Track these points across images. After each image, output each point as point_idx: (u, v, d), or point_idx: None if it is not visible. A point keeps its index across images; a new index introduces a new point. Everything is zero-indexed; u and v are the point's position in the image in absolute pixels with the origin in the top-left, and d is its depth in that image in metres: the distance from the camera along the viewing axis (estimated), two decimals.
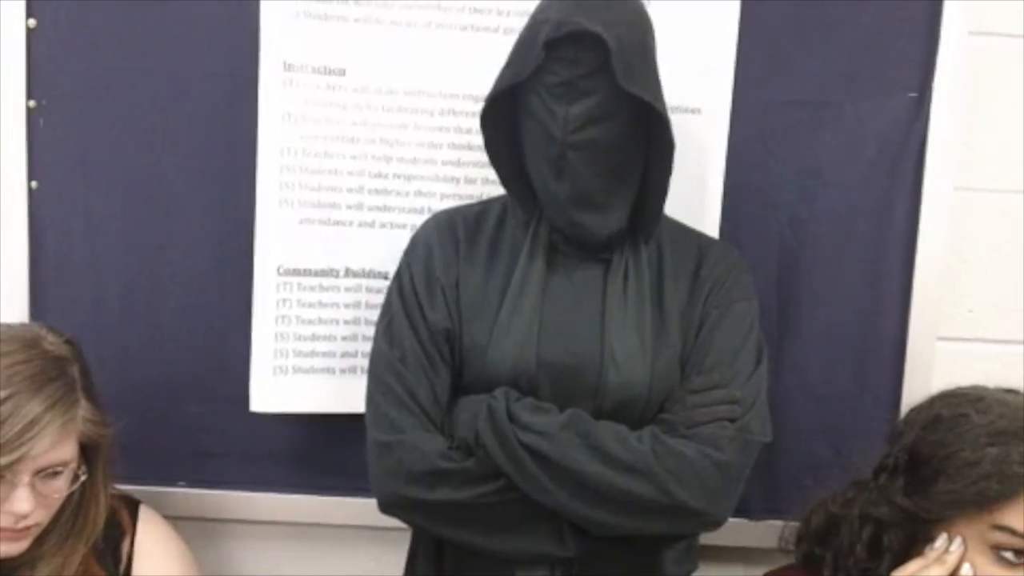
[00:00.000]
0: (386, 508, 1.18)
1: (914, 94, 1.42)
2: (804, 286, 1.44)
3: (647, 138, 1.15)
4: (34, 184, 1.41)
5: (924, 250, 1.44)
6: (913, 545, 1.11)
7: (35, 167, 1.40)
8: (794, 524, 1.23)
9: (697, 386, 1.17)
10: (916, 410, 1.17)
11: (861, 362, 1.45)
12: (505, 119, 1.17)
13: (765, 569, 1.28)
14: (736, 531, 1.43)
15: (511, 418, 1.12)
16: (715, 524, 1.16)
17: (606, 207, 1.15)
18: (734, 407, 1.15)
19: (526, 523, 1.14)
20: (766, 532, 1.40)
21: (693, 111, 1.42)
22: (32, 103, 1.39)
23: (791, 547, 1.22)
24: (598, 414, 1.14)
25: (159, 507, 1.32)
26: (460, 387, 1.21)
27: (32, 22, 1.38)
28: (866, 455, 1.22)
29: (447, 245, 1.22)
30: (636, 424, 1.14)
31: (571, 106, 1.10)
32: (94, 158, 1.40)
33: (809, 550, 1.18)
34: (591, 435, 1.11)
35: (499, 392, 1.14)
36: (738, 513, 1.41)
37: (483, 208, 1.27)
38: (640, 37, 1.10)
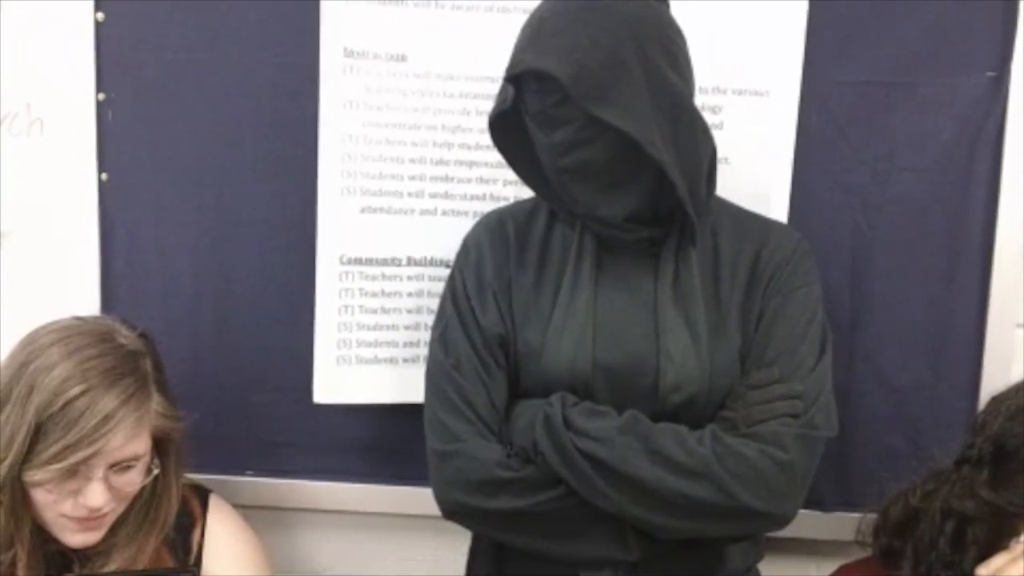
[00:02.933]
0: (448, 515, 1.18)
1: (992, 73, 1.38)
2: (878, 272, 1.41)
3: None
4: (104, 176, 1.42)
5: (1003, 234, 1.40)
6: (999, 539, 1.08)
7: (105, 159, 1.42)
8: (871, 516, 1.20)
9: (757, 381, 1.14)
10: (999, 399, 1.14)
11: (937, 350, 1.41)
12: (515, 133, 1.16)
13: (839, 562, 1.26)
14: (809, 524, 1.41)
15: (567, 424, 1.10)
16: (780, 524, 1.15)
17: (620, 190, 1.12)
18: (796, 402, 1.12)
19: (589, 528, 1.13)
20: (840, 525, 1.38)
21: (761, 94, 1.39)
22: (101, 96, 1.40)
23: (868, 540, 1.20)
24: (657, 415, 1.12)
25: (228, 495, 1.34)
26: (517, 391, 1.20)
27: (100, 15, 1.39)
28: (943, 446, 1.19)
29: (498, 248, 1.21)
30: (696, 423, 1.12)
31: (552, 135, 1.09)
32: (163, 150, 1.42)
33: (887, 543, 1.15)
34: (650, 438, 1.09)
35: (555, 398, 1.13)
36: (811, 505, 1.41)
37: (534, 206, 1.25)
38: (612, 52, 1.04)
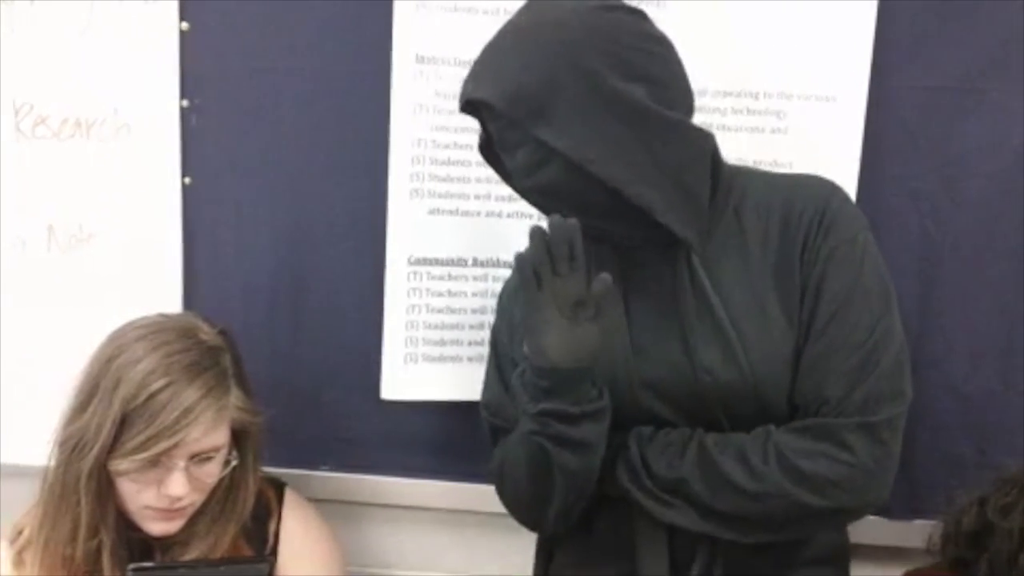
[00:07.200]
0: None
1: None
2: (947, 279, 1.40)
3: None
4: (187, 180, 1.46)
5: None
6: None
7: (188, 164, 1.46)
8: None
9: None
10: None
11: (1007, 358, 1.40)
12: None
13: (903, 568, 1.26)
14: (874, 529, 1.41)
15: (648, 472, 1.11)
16: (872, 508, 1.11)
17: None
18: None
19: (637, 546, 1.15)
20: (905, 531, 1.38)
21: (827, 99, 1.38)
22: (185, 103, 1.44)
23: (937, 548, 1.19)
24: (712, 415, 1.11)
25: (303, 489, 1.38)
26: None
27: (185, 25, 1.43)
28: (1012, 454, 1.18)
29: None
30: (754, 411, 1.10)
31: (513, 159, 1.09)
32: (243, 154, 1.45)
33: (959, 554, 1.14)
34: (719, 467, 1.08)
35: (632, 439, 1.12)
36: (876, 511, 1.39)
37: None
38: (547, 73, 1.02)
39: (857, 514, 1.12)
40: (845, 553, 1.23)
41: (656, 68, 1.07)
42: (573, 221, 1.03)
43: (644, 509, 1.11)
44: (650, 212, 1.05)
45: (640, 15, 1.10)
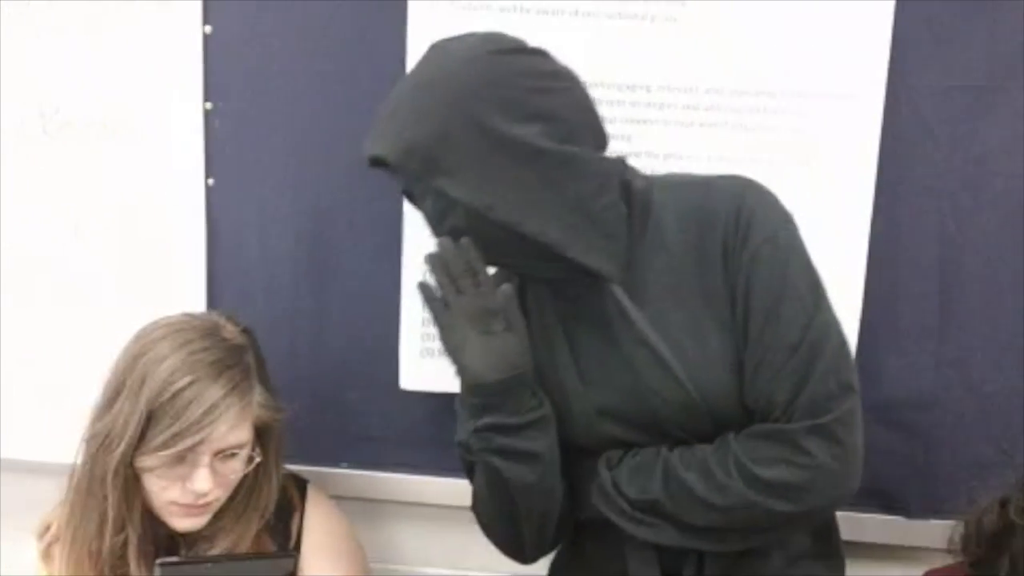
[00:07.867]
0: None
1: None
2: (967, 277, 1.39)
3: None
4: (211, 181, 1.48)
5: None
6: None
7: (211, 165, 1.47)
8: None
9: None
10: None
11: None
12: None
13: (924, 568, 1.25)
14: (894, 529, 1.42)
15: (620, 494, 1.11)
16: (839, 505, 1.11)
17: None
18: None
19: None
20: (925, 531, 1.38)
21: (845, 98, 1.38)
22: (208, 105, 1.46)
23: (958, 547, 1.19)
24: (675, 436, 1.12)
25: (324, 487, 1.39)
26: None
27: (208, 28, 1.44)
28: None
29: None
30: (712, 424, 1.10)
31: (422, 208, 1.12)
32: (265, 156, 1.47)
33: (981, 554, 1.14)
34: (687, 489, 1.08)
35: (602, 465, 1.13)
36: (896, 511, 1.42)
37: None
38: (439, 125, 1.03)
39: (829, 511, 1.14)
40: (837, 544, 1.23)
41: (553, 105, 1.07)
42: (465, 239, 1.06)
43: (624, 530, 1.12)
44: (557, 249, 1.06)
45: (539, 53, 1.10)
